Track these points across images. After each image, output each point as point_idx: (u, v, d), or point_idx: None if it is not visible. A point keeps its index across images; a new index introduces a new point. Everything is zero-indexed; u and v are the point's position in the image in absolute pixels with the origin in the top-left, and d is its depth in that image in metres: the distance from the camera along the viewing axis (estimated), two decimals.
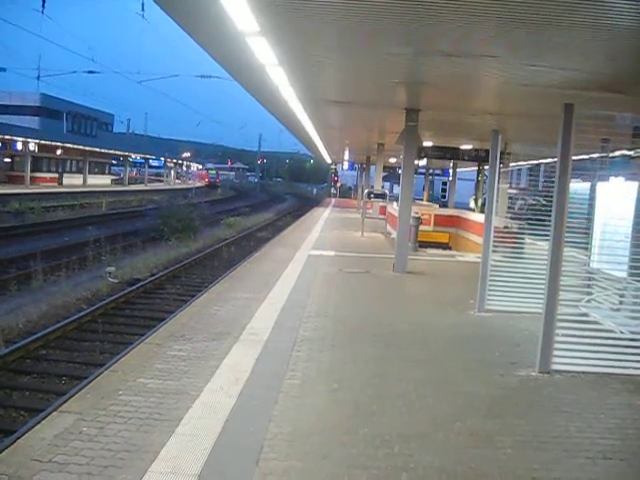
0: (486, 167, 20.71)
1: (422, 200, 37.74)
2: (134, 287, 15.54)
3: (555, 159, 7.38)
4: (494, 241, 10.46)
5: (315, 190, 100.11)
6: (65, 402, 6.02)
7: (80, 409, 5.52)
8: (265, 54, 9.58)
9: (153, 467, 4.51)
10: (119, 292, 14.93)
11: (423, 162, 27.99)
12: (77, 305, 13.58)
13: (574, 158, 7.41)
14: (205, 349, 7.54)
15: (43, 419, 5.60)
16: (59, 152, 59.44)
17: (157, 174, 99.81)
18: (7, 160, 56.54)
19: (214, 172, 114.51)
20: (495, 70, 9.81)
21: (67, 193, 46.80)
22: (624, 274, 8.70)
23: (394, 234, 19.07)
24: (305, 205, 56.34)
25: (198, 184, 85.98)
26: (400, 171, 17.69)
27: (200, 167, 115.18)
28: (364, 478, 4.55)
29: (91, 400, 5.78)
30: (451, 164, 34.25)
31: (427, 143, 21.19)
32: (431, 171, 47.57)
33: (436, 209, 27.58)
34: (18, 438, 5.21)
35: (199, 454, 4.74)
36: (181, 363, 6.97)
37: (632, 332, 7.84)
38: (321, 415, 5.73)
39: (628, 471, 4.91)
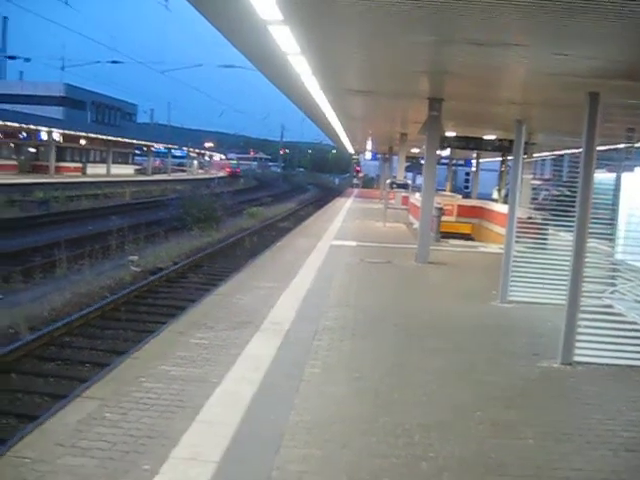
0: (509, 157, 20.57)
1: (445, 191, 37.57)
2: (157, 276, 15.64)
3: (579, 149, 7.31)
4: (517, 232, 10.40)
5: (337, 180, 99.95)
6: (88, 388, 6.08)
7: (103, 395, 5.59)
8: (288, 43, 9.55)
9: (174, 453, 4.54)
10: (142, 281, 15.04)
11: (446, 152, 27.80)
12: (100, 293, 13.69)
13: (599, 148, 7.33)
14: (227, 337, 7.58)
15: (67, 405, 5.66)
16: (83, 142, 59.90)
17: (180, 164, 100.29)
18: (32, 150, 57.12)
19: (235, 162, 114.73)
20: (520, 59, 9.71)
21: (91, 183, 47.16)
22: None
23: (416, 224, 18.99)
24: (327, 195, 56.26)
25: (220, 174, 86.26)
26: (423, 161, 17.61)
27: (223, 157, 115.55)
28: (384, 467, 4.55)
29: (114, 387, 5.84)
30: (474, 154, 34.03)
31: (450, 133, 21.05)
32: (454, 161, 47.29)
33: (459, 199, 27.48)
34: (42, 423, 5.28)
35: (219, 441, 4.77)
36: (203, 351, 7.01)
37: None
38: (341, 404, 5.74)
39: None
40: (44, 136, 52.32)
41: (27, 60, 54.70)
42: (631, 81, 9.54)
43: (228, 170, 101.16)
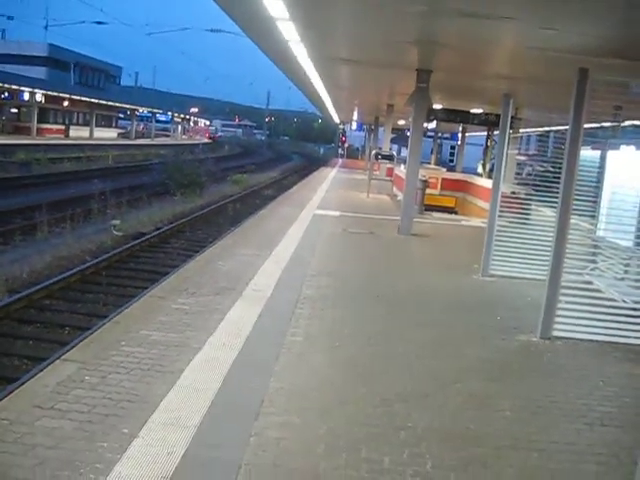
0: (496, 132, 20.55)
1: (430, 163, 37.53)
2: (139, 241, 15.57)
3: (566, 126, 7.29)
4: (501, 207, 10.43)
5: (322, 150, 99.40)
6: (68, 351, 6.06)
7: (83, 358, 5.56)
8: (277, 7, 9.42)
9: (153, 417, 4.54)
10: (123, 245, 14.96)
11: (432, 125, 27.71)
12: (81, 257, 13.62)
13: (585, 126, 7.33)
14: (208, 303, 7.56)
15: (46, 367, 5.64)
16: (66, 104, 59.02)
17: (164, 129, 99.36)
18: (14, 110, 56.26)
19: (214, 128, 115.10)
20: (511, 32, 9.66)
21: (73, 145, 46.59)
22: (630, 244, 8.67)
23: (400, 196, 19.00)
24: (312, 165, 56.12)
25: (204, 140, 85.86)
26: (409, 133, 17.55)
27: (207, 123, 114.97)
28: (362, 436, 4.58)
29: (94, 350, 5.82)
30: (460, 128, 33.97)
31: (437, 105, 20.96)
32: (440, 135, 47.18)
33: (443, 173, 27.47)
34: (21, 384, 5.26)
35: (199, 406, 4.77)
36: (184, 316, 7.00)
37: (635, 302, 7.82)
38: (321, 372, 5.76)
39: (624, 438, 4.93)
40: (26, 96, 51.54)
41: (10, 18, 53.81)
42: (620, 59, 9.52)
43: (207, 135, 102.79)
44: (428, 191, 19.60)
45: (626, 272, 8.92)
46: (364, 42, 12.92)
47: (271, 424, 4.63)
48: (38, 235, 15.28)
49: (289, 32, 11.42)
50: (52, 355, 7.32)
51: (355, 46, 13.85)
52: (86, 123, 65.68)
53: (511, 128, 10.92)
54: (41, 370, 5.58)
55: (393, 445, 4.49)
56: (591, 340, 7.30)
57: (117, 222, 17.09)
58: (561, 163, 7.39)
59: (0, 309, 9.49)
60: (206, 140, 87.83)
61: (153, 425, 4.44)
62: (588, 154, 9.06)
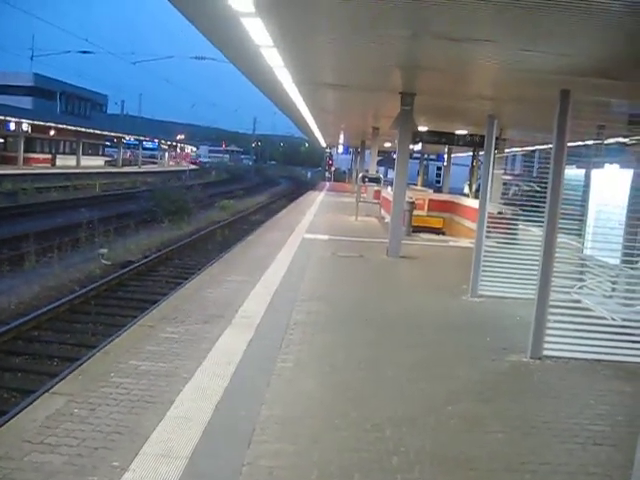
0: (481, 152, 20.69)
1: (416, 185, 37.67)
2: (127, 269, 15.51)
3: (550, 145, 7.36)
4: (488, 227, 10.48)
5: (309, 174, 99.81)
6: (56, 384, 6.02)
7: (71, 391, 5.51)
8: (260, 35, 9.50)
9: (144, 449, 4.51)
10: (112, 274, 14.90)
11: (418, 147, 27.89)
12: (70, 287, 13.56)
13: (569, 144, 7.39)
14: (197, 332, 7.53)
15: (34, 400, 5.59)
16: (52, 133, 58.97)
17: (151, 156, 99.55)
18: (0, 141, 56.19)
19: (194, 154, 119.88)
20: (491, 55, 9.75)
21: (60, 174, 46.60)
22: (617, 261, 8.72)
23: (388, 218, 19.04)
24: (299, 188, 56.23)
25: (192, 166, 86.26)
26: (395, 155, 17.64)
27: (194, 149, 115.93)
28: (355, 462, 4.56)
29: (82, 382, 5.77)
30: (446, 149, 34.18)
31: (422, 128, 21.12)
32: (426, 156, 47.43)
33: (430, 194, 27.56)
34: (9, 419, 5.21)
35: (191, 437, 4.74)
36: (173, 345, 6.96)
37: (624, 319, 7.85)
38: (313, 398, 5.74)
39: (617, 457, 4.93)
40: (12, 126, 51.49)
41: None
42: (601, 78, 9.65)
43: (189, 160, 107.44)
44: (415, 212, 19.67)
45: (614, 290, 8.96)
46: (348, 67, 13.03)
47: (264, 452, 4.59)
48: (26, 265, 15.21)
49: (273, 59, 11.51)
50: (41, 387, 7.27)
51: (339, 71, 13.97)
52: (73, 152, 65.57)
53: (496, 148, 11.01)
54: (30, 404, 5.53)
55: (386, 471, 4.47)
56: (581, 358, 7.31)
57: (105, 251, 17.04)
58: (547, 182, 7.44)
59: None
60: (192, 166, 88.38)
61: (144, 457, 4.40)
62: (573, 173, 9.14)
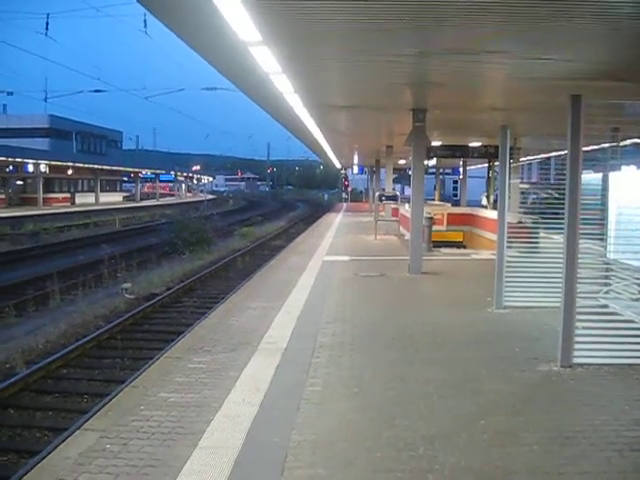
0: (496, 163, 20.64)
1: (434, 200, 37.63)
2: (151, 302, 15.57)
3: (565, 151, 7.33)
4: (508, 237, 10.41)
5: (326, 196, 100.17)
6: (88, 420, 6.03)
7: (103, 426, 5.53)
8: (268, 63, 9.58)
9: None
10: (136, 308, 14.96)
11: (433, 162, 27.89)
12: (95, 323, 13.61)
13: (584, 149, 7.36)
14: (225, 360, 7.53)
15: (67, 438, 5.60)
16: (70, 172, 59.79)
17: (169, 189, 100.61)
18: (19, 182, 57.01)
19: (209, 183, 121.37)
20: (501, 65, 9.77)
21: (80, 212, 47.11)
22: None
23: (407, 235, 19.01)
24: (317, 211, 56.34)
25: (209, 196, 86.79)
26: (410, 172, 17.65)
27: (211, 179, 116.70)
28: None
29: (113, 417, 5.79)
30: (461, 162, 34.15)
31: (435, 142, 21.12)
32: (441, 170, 47.41)
33: (448, 208, 27.52)
34: (43, 458, 5.22)
35: (223, 466, 4.72)
36: (201, 375, 6.97)
37: None
38: (343, 421, 5.70)
39: None
40: (31, 168, 52.27)
41: (10, 94, 54.87)
42: (612, 81, 9.63)
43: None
44: (435, 228, 19.60)
45: None
46: (357, 88, 13.09)
47: (297, 479, 4.57)
48: (51, 304, 15.32)
49: (283, 85, 11.60)
50: (72, 425, 7.28)
51: (349, 92, 14.04)
52: (91, 189, 66.40)
53: (511, 158, 10.98)
54: (62, 441, 5.54)
55: None
56: (612, 364, 7.21)
57: (128, 285, 17.11)
58: (564, 188, 7.39)
59: (18, 381, 9.48)
60: (210, 196, 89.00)
61: None
62: (590, 177, 9.08)
